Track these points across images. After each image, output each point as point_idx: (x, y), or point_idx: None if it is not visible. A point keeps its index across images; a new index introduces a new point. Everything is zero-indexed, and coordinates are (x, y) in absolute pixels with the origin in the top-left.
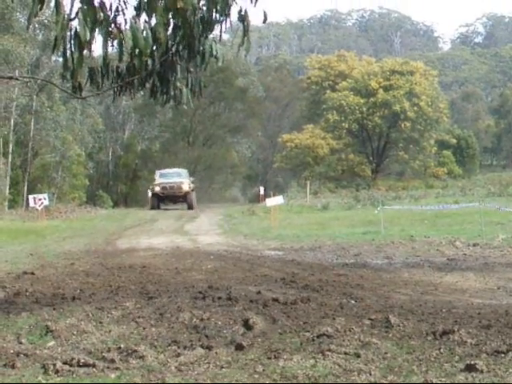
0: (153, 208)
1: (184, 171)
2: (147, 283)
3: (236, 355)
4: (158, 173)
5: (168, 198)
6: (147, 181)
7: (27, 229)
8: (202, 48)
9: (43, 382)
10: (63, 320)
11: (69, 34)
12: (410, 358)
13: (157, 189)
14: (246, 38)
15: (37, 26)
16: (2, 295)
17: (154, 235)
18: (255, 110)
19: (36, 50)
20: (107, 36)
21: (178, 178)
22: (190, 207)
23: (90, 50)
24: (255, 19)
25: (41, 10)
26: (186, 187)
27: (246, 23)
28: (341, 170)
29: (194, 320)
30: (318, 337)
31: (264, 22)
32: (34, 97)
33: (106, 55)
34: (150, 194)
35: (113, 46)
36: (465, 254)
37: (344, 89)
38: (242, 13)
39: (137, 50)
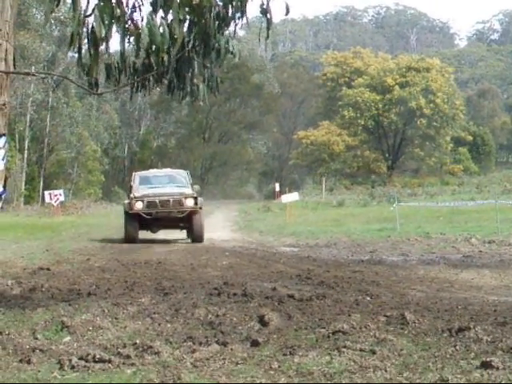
0: (130, 239)
1: (183, 174)
2: (163, 279)
3: (251, 351)
4: (136, 177)
5: (158, 222)
6: None
7: (43, 224)
8: (217, 44)
9: (59, 377)
10: (79, 316)
11: (85, 30)
12: (426, 355)
13: (138, 205)
14: (269, 30)
15: (53, 22)
16: (18, 291)
17: (169, 231)
18: (271, 106)
19: (52, 45)
20: (124, 32)
21: (174, 185)
22: (197, 238)
23: (106, 47)
24: (273, 15)
25: (57, 6)
26: (189, 202)
27: (268, 16)
28: (356, 166)
29: (210, 316)
30: (333, 333)
31: (286, 14)
32: (50, 93)
33: (123, 51)
34: (124, 214)
35: (130, 42)
36: (480, 251)
37: (360, 85)
38: (264, 6)
39: (154, 46)
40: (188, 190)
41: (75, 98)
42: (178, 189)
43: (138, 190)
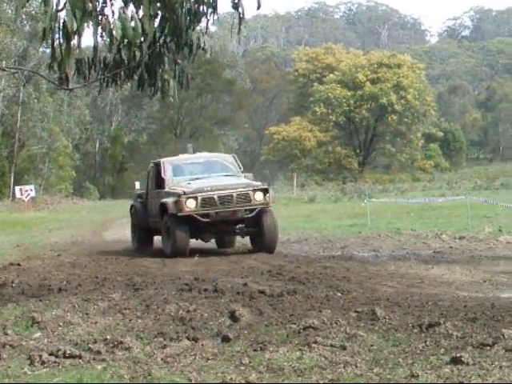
0: (179, 251)
1: (228, 158)
2: (133, 275)
3: (222, 347)
4: (167, 165)
5: (215, 226)
6: (134, 172)
7: (13, 220)
8: (189, 40)
9: (29, 373)
10: (49, 311)
11: (57, 25)
12: (396, 351)
13: (190, 204)
14: (241, 25)
15: (24, 17)
16: None
17: None
18: (242, 102)
19: (23, 41)
20: (97, 27)
21: (223, 175)
22: (270, 246)
23: (79, 42)
24: (245, 10)
25: (28, 1)
26: (259, 197)
27: (240, 10)
28: (328, 162)
29: (181, 312)
30: (304, 329)
31: (258, 8)
32: (21, 88)
33: (96, 45)
34: (167, 216)
35: (102, 36)
36: (451, 247)
37: (331, 81)
38: (236, 1)
39: (125, 41)
40: (251, 181)
41: (46, 94)
42: (236, 179)
43: (177, 183)
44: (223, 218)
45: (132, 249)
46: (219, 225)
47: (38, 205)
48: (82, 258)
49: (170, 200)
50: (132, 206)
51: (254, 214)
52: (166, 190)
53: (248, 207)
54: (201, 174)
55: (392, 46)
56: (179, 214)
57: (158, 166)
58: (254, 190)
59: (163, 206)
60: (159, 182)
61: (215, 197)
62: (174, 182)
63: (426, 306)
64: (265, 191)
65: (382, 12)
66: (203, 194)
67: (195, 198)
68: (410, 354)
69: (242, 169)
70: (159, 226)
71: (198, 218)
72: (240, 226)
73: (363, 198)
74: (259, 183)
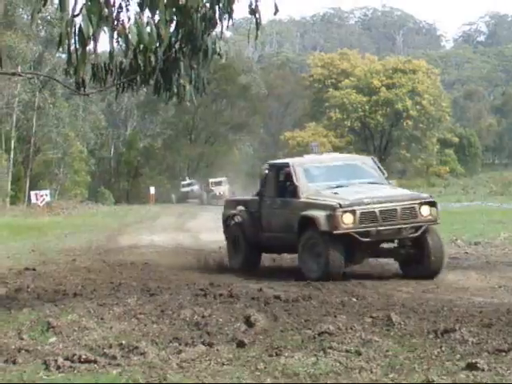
0: (333, 275)
1: (368, 162)
2: (149, 280)
3: (237, 352)
4: (299, 169)
5: (373, 246)
6: (148, 177)
7: (29, 225)
8: (204, 45)
9: (45, 377)
10: (65, 316)
11: (73, 30)
12: (412, 356)
13: (347, 219)
14: (258, 30)
15: (40, 22)
16: (4, 291)
17: (155, 232)
18: (257, 107)
19: (39, 46)
20: (113, 32)
21: (367, 181)
22: (435, 269)
23: (94, 47)
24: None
25: (44, 6)
26: (426, 212)
27: (257, 16)
28: None
29: (196, 317)
30: (319, 334)
31: (275, 13)
32: (37, 93)
33: (112, 51)
34: (315, 233)
35: (118, 42)
36: (466, 253)
37: (346, 87)
38: (253, 6)
39: (141, 46)
40: (413, 192)
41: (62, 99)
42: (393, 189)
43: (316, 191)
44: (385, 237)
45: (229, 267)
46: (377, 245)
47: (53, 210)
48: (98, 263)
49: (318, 214)
50: (229, 217)
51: (419, 233)
52: (304, 200)
53: (414, 224)
54: (340, 181)
55: (407, 52)
56: (334, 232)
57: (281, 168)
58: (421, 204)
59: (305, 220)
60: (283, 189)
61: (376, 211)
62: (311, 190)
63: (442, 312)
64: (432, 204)
65: (398, 17)
66: (362, 207)
67: (353, 213)
68: (426, 360)
69: (386, 174)
70: (286, 242)
71: (357, 236)
72: (403, 247)
73: None
74: (426, 195)
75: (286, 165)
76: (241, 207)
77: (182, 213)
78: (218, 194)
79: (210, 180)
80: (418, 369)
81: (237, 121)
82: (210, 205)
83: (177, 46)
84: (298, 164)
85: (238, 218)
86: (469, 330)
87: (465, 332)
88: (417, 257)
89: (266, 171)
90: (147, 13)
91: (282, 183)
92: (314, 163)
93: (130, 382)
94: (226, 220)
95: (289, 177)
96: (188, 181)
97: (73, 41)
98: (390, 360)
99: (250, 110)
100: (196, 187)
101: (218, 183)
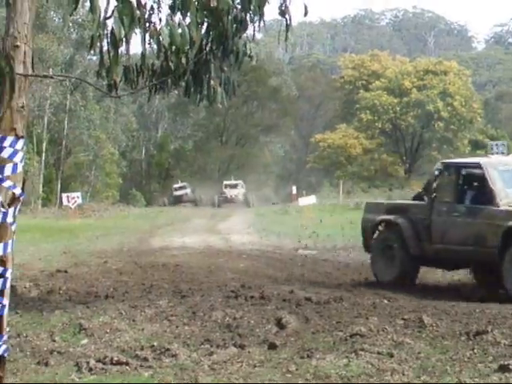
0: None
1: None
2: (180, 282)
3: (269, 354)
4: (494, 172)
5: None
6: (180, 179)
7: (60, 227)
8: (235, 47)
9: (76, 379)
10: (96, 318)
11: (105, 32)
12: (444, 358)
13: None
14: (288, 32)
15: (71, 24)
16: (36, 293)
17: (186, 234)
18: (288, 109)
19: (70, 48)
20: (144, 34)
21: None
22: None
23: (127, 49)
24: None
25: (75, 9)
26: None
27: (287, 17)
28: (374, 169)
29: (227, 319)
30: (351, 336)
31: (305, 15)
32: (68, 95)
33: (144, 53)
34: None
35: (150, 44)
36: None
37: (377, 88)
38: (283, 8)
39: (173, 48)
40: None
41: (93, 101)
42: None
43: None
44: None
45: (379, 278)
46: None
47: (84, 212)
48: (129, 264)
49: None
50: (377, 223)
51: None
52: (507, 208)
53: None
54: None
55: (438, 53)
56: None
57: (464, 169)
58: None
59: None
60: (468, 194)
61: None
62: (510, 197)
63: (474, 314)
64: None
65: (429, 19)
66: None
67: None
68: (458, 362)
69: None
70: (469, 257)
71: None
72: None
73: None
74: None
75: (476, 165)
76: (394, 213)
77: (213, 214)
78: (229, 196)
79: (225, 182)
80: (450, 371)
81: (267, 123)
82: (220, 208)
83: (208, 48)
84: (491, 165)
85: (393, 226)
86: (501, 331)
87: (497, 334)
88: None
89: (438, 172)
90: (179, 15)
91: (465, 187)
92: (507, 165)
93: (162, 383)
94: (372, 227)
95: (477, 180)
96: (180, 184)
97: (104, 43)
98: (422, 362)
99: (280, 111)
100: (189, 190)
101: (234, 186)
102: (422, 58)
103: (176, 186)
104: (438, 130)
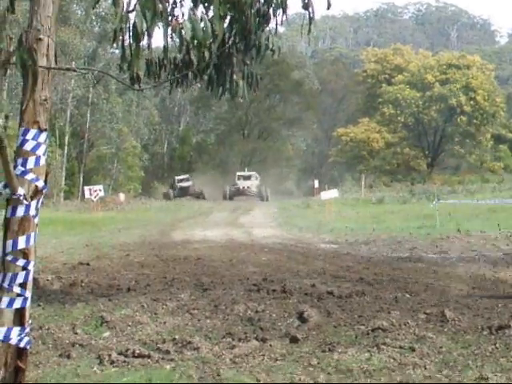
0: None
1: None
2: (202, 275)
3: (291, 348)
4: None
5: None
6: (202, 173)
7: (83, 220)
8: (257, 41)
9: (98, 372)
10: (118, 311)
11: (127, 26)
12: (466, 353)
13: None
14: (311, 25)
15: (94, 18)
16: (58, 285)
17: (208, 227)
18: (311, 103)
19: (92, 41)
20: (167, 27)
21: None
22: None
23: (149, 42)
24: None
25: (98, 2)
26: None
27: (310, 10)
28: (396, 163)
29: (249, 312)
30: (372, 330)
31: (328, 8)
32: (91, 88)
33: (166, 47)
34: None
35: (172, 37)
36: None
37: (400, 82)
38: (306, 1)
39: (195, 42)
40: None
41: (115, 94)
42: None
43: None
44: None
45: None
46: None
47: (106, 205)
48: (151, 257)
49: None
50: None
51: None
52: None
53: None
54: None
55: (461, 47)
56: None
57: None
58: None
59: None
60: None
61: None
62: None
63: (496, 308)
64: None
65: (452, 13)
66: None
67: None
68: (480, 357)
69: None
70: None
71: None
72: None
73: (432, 199)
74: None
75: None
76: None
77: (235, 208)
78: (241, 188)
79: (238, 173)
80: (472, 365)
81: (290, 116)
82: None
83: (230, 41)
84: None
85: None
86: None
87: None
88: None
89: None
90: (201, 8)
91: None
92: None
93: (184, 377)
94: None
95: None
96: (183, 176)
97: (127, 36)
98: (444, 356)
99: (303, 105)
100: (191, 183)
101: (247, 177)
102: (444, 51)
103: (179, 177)
104: (461, 124)
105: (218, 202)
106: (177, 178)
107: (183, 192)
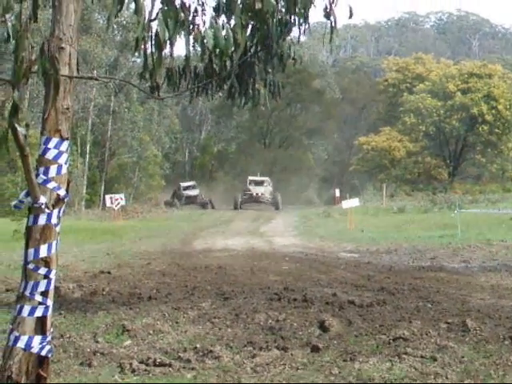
0: None
1: None
2: (223, 284)
3: (312, 357)
4: None
5: None
6: (222, 182)
7: (104, 228)
8: (279, 50)
9: (119, 380)
10: (139, 319)
11: (149, 34)
12: (487, 362)
13: None
14: (333, 34)
15: (115, 26)
16: (79, 294)
17: (229, 236)
18: (332, 112)
19: (114, 50)
20: (189, 36)
21: None
22: None
23: (171, 51)
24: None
25: (120, 11)
26: None
27: (332, 19)
28: (417, 172)
29: (270, 321)
30: (394, 340)
31: (350, 17)
32: (112, 97)
33: (188, 55)
34: None
35: (194, 46)
36: None
37: (421, 91)
38: (328, 10)
39: (217, 51)
40: None
41: (137, 103)
42: None
43: None
44: None
45: None
46: None
47: (127, 213)
48: (172, 266)
49: None
50: None
51: None
52: None
53: None
54: None
55: (483, 56)
56: None
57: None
58: None
59: None
60: None
61: None
62: None
63: None
64: None
65: (473, 22)
66: None
67: None
68: (502, 366)
69: None
70: None
71: None
72: None
73: (453, 208)
74: None
75: None
76: None
77: (256, 217)
78: (254, 194)
79: (249, 178)
80: (493, 375)
81: (311, 125)
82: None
83: (252, 50)
84: None
85: None
86: None
87: None
88: None
89: None
90: (223, 17)
91: None
92: None
93: None
94: None
95: None
96: (189, 182)
97: (149, 45)
98: (466, 366)
99: (324, 114)
100: (197, 191)
101: (259, 183)
102: (466, 61)
103: (184, 184)
104: (482, 134)
105: (235, 211)
106: (182, 184)
107: (189, 201)
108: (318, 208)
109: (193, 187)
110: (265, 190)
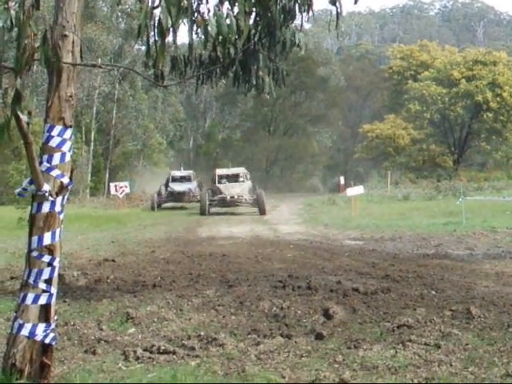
0: None
1: None
2: (227, 271)
3: (316, 344)
4: None
5: None
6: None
7: (108, 216)
8: (283, 37)
9: (124, 368)
10: (144, 307)
11: (152, 22)
12: (491, 350)
13: None
14: (338, 20)
15: (119, 14)
16: (84, 282)
17: (234, 224)
18: (336, 99)
19: (118, 38)
20: (192, 24)
21: None
22: None
23: (174, 39)
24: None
25: None
26: None
27: (338, 5)
28: (422, 160)
29: (274, 309)
30: (398, 327)
31: (355, 3)
32: (117, 85)
33: (191, 43)
34: None
35: (197, 34)
36: None
37: (426, 79)
38: None
39: (220, 38)
40: None
41: (141, 91)
42: None
43: None
44: None
45: None
46: None
47: (132, 201)
48: (176, 254)
49: None
50: None
51: None
52: None
53: None
54: None
55: (488, 43)
56: None
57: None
58: None
59: None
60: None
61: None
62: None
63: None
64: None
65: (478, 9)
66: None
67: None
68: (506, 353)
69: None
70: None
71: None
72: None
73: (458, 196)
74: None
75: None
76: None
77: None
78: (228, 198)
79: (217, 172)
80: (498, 362)
81: (315, 113)
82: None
83: (256, 37)
84: None
85: None
86: None
87: None
88: None
89: None
90: (226, 4)
91: None
92: None
93: (209, 373)
94: None
95: None
96: (184, 172)
97: (152, 33)
98: (470, 353)
99: (328, 101)
100: (189, 186)
101: (232, 178)
102: (471, 48)
103: (176, 174)
104: (487, 121)
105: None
106: (173, 174)
107: (172, 198)
108: (323, 196)
109: (187, 179)
110: (241, 189)
